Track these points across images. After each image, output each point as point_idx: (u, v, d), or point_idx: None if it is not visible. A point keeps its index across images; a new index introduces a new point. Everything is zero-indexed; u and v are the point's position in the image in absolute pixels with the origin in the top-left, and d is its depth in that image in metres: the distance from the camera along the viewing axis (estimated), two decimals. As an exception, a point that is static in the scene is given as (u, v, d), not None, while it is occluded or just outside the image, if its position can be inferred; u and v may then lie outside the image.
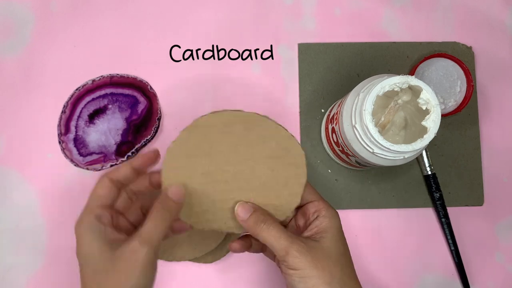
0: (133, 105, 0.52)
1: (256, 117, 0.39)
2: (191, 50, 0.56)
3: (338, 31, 0.57)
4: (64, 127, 0.52)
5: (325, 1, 0.57)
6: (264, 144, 0.38)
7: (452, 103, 0.54)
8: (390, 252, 0.54)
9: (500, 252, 0.55)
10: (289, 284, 0.36)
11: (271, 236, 0.36)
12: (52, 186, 0.53)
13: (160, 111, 0.52)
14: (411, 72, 0.54)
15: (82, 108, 0.53)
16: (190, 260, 0.52)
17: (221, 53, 0.56)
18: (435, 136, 0.40)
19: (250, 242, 0.42)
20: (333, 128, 0.48)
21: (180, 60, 0.56)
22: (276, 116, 0.55)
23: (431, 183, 0.54)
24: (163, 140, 0.54)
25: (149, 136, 0.51)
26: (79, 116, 0.52)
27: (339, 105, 0.47)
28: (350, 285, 0.36)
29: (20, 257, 0.53)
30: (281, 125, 0.39)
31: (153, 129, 0.51)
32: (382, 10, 0.57)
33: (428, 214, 0.55)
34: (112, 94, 0.53)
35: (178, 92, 0.55)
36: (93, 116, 0.52)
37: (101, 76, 0.53)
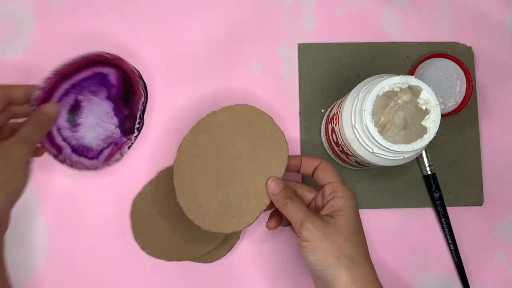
0: (103, 81, 0.47)
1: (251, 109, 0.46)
2: (191, 50, 0.56)
3: (338, 31, 0.57)
4: (54, 148, 0.46)
5: (325, 1, 0.57)
6: (257, 134, 0.45)
7: (452, 103, 0.54)
8: (390, 252, 0.54)
9: (500, 252, 0.55)
10: (304, 258, 0.39)
11: (293, 210, 0.40)
12: (52, 186, 0.53)
13: (135, 68, 0.47)
14: (411, 72, 0.54)
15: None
16: (190, 260, 0.52)
17: (221, 53, 0.56)
18: (435, 136, 0.40)
19: (281, 217, 0.46)
20: (333, 128, 0.48)
21: (180, 60, 0.56)
22: (276, 116, 0.55)
23: (431, 183, 0.54)
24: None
25: (142, 97, 0.47)
26: (58, 129, 0.46)
27: (339, 105, 0.47)
28: (358, 262, 0.38)
29: (20, 257, 0.53)
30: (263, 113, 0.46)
31: (140, 89, 0.47)
32: (382, 10, 0.57)
33: (428, 214, 0.55)
34: (72, 86, 0.46)
35: (178, 92, 0.55)
36: (73, 119, 0.46)
37: (46, 78, 0.45)
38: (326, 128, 0.52)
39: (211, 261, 0.52)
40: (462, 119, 0.56)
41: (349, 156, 0.47)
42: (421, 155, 0.54)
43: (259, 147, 0.45)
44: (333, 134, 0.48)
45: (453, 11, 0.58)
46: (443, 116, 0.52)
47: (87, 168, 0.47)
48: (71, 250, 0.53)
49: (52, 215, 0.53)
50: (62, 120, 0.46)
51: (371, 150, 0.42)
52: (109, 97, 0.47)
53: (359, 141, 0.42)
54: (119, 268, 0.53)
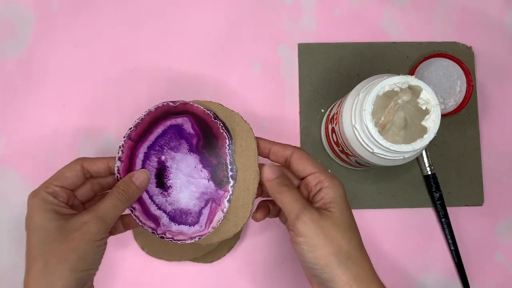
0: (179, 133, 0.41)
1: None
2: (191, 50, 0.56)
3: (338, 31, 0.57)
4: (150, 220, 0.41)
5: (325, 1, 0.57)
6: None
7: (452, 103, 0.54)
8: (390, 252, 0.54)
9: (500, 252, 0.55)
10: (299, 254, 0.37)
11: (289, 199, 0.37)
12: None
13: (207, 109, 0.41)
14: (411, 72, 0.54)
15: (147, 193, 0.41)
16: (190, 260, 0.52)
17: (221, 53, 0.56)
18: (435, 136, 0.40)
19: (268, 208, 0.43)
20: (333, 128, 0.48)
21: (180, 60, 0.56)
22: (276, 116, 0.55)
23: (431, 183, 0.54)
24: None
25: (226, 140, 0.41)
26: (151, 197, 0.41)
27: (339, 105, 0.47)
28: (356, 258, 0.36)
29: (20, 257, 0.53)
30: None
31: (221, 129, 0.41)
32: (382, 10, 0.57)
33: (428, 214, 0.55)
34: (149, 148, 0.41)
35: (178, 93, 0.55)
36: (161, 182, 0.41)
37: (119, 147, 0.40)
38: (326, 128, 0.52)
39: (211, 261, 0.52)
40: (462, 119, 0.56)
41: (349, 156, 0.47)
42: (421, 155, 0.54)
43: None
44: (333, 134, 0.48)
45: (453, 11, 0.58)
46: (443, 116, 0.52)
47: (192, 238, 0.40)
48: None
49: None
50: (152, 186, 0.41)
51: (371, 150, 0.42)
52: (191, 149, 0.42)
53: (359, 141, 0.42)
54: (119, 268, 0.53)
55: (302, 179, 0.40)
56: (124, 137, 0.40)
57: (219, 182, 0.41)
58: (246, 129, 0.41)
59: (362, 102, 0.41)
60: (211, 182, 0.41)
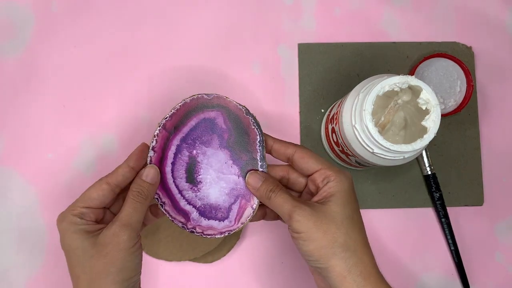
0: (211, 127, 0.41)
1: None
2: (191, 50, 0.56)
3: (338, 31, 0.57)
4: (181, 214, 0.40)
5: (325, 1, 0.57)
6: None
7: (452, 103, 0.54)
8: (390, 252, 0.54)
9: (500, 252, 0.55)
10: (298, 249, 0.37)
11: (278, 203, 0.37)
12: (52, 186, 0.53)
13: (239, 104, 0.40)
14: (411, 72, 0.54)
15: (176, 188, 0.41)
16: (190, 260, 0.52)
17: (221, 53, 0.56)
18: (435, 136, 0.40)
19: (264, 211, 0.43)
20: (333, 128, 0.48)
21: (180, 60, 0.56)
22: (276, 116, 0.55)
23: (431, 183, 0.54)
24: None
25: (258, 136, 0.40)
26: (180, 191, 0.41)
27: (339, 105, 0.47)
28: (354, 250, 0.36)
29: (20, 257, 0.53)
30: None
31: (253, 126, 0.40)
32: (382, 10, 0.57)
33: (428, 214, 0.55)
34: (182, 141, 0.41)
35: (178, 92, 0.55)
36: (192, 177, 0.41)
37: (154, 136, 0.39)
38: (326, 128, 0.52)
39: (211, 261, 0.52)
40: (462, 119, 0.56)
41: (349, 156, 0.47)
42: (421, 155, 0.54)
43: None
44: (333, 134, 0.48)
45: (453, 11, 0.58)
46: (443, 116, 0.52)
47: (221, 233, 0.40)
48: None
49: (52, 215, 0.53)
50: (182, 182, 0.41)
51: (371, 150, 0.42)
52: (222, 145, 0.41)
53: (359, 141, 0.42)
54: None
55: (308, 176, 0.40)
56: (159, 126, 0.39)
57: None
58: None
59: (362, 102, 0.41)
60: (241, 178, 0.41)
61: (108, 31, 0.56)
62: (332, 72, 0.56)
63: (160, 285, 0.53)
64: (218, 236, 0.40)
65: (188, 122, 0.41)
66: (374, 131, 0.40)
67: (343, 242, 0.36)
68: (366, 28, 0.57)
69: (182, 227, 0.40)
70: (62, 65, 0.55)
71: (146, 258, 0.52)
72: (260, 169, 0.40)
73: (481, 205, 0.55)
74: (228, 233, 0.40)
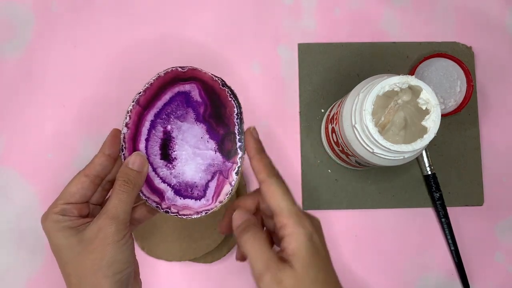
0: (186, 101, 0.39)
1: None
2: (191, 50, 0.56)
3: (338, 31, 0.57)
4: (155, 194, 0.38)
5: (325, 1, 0.57)
6: None
7: (452, 103, 0.54)
8: (390, 252, 0.54)
9: (500, 252, 0.55)
10: None
11: (251, 253, 0.34)
12: (52, 186, 0.53)
13: (214, 75, 0.38)
14: (411, 72, 0.54)
15: (151, 165, 0.39)
16: (190, 260, 0.52)
17: (221, 53, 0.56)
18: (435, 136, 0.40)
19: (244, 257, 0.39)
20: (333, 128, 0.48)
21: (180, 60, 0.56)
22: (276, 116, 0.55)
23: (431, 183, 0.54)
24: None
25: (235, 108, 0.38)
26: (155, 169, 0.38)
27: (339, 105, 0.47)
28: None
29: (20, 257, 0.53)
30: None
31: (229, 97, 0.38)
32: (382, 10, 0.57)
33: (428, 214, 0.55)
34: (156, 116, 0.39)
35: (178, 92, 0.55)
36: (166, 154, 0.39)
37: (127, 112, 0.38)
38: (326, 128, 0.52)
39: (211, 261, 0.52)
40: (462, 119, 0.56)
41: (349, 156, 0.47)
42: (421, 155, 0.54)
43: None
44: (333, 134, 0.48)
45: (453, 11, 0.58)
46: (443, 116, 0.52)
47: (198, 212, 0.38)
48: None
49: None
50: (157, 159, 0.39)
51: (371, 150, 0.42)
52: (198, 119, 0.39)
53: (359, 141, 0.42)
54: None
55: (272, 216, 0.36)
56: (132, 101, 0.38)
57: (226, 153, 0.39)
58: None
59: (362, 102, 0.41)
60: (218, 154, 0.39)
61: (108, 31, 0.56)
62: (332, 72, 0.56)
63: (160, 285, 0.53)
64: (195, 216, 0.37)
65: (162, 97, 0.39)
66: (374, 131, 0.40)
67: None
68: (366, 28, 0.57)
69: (157, 207, 0.37)
70: (62, 65, 0.55)
71: (146, 258, 0.52)
72: (238, 143, 0.38)
73: (481, 205, 0.55)
74: (205, 213, 0.37)
